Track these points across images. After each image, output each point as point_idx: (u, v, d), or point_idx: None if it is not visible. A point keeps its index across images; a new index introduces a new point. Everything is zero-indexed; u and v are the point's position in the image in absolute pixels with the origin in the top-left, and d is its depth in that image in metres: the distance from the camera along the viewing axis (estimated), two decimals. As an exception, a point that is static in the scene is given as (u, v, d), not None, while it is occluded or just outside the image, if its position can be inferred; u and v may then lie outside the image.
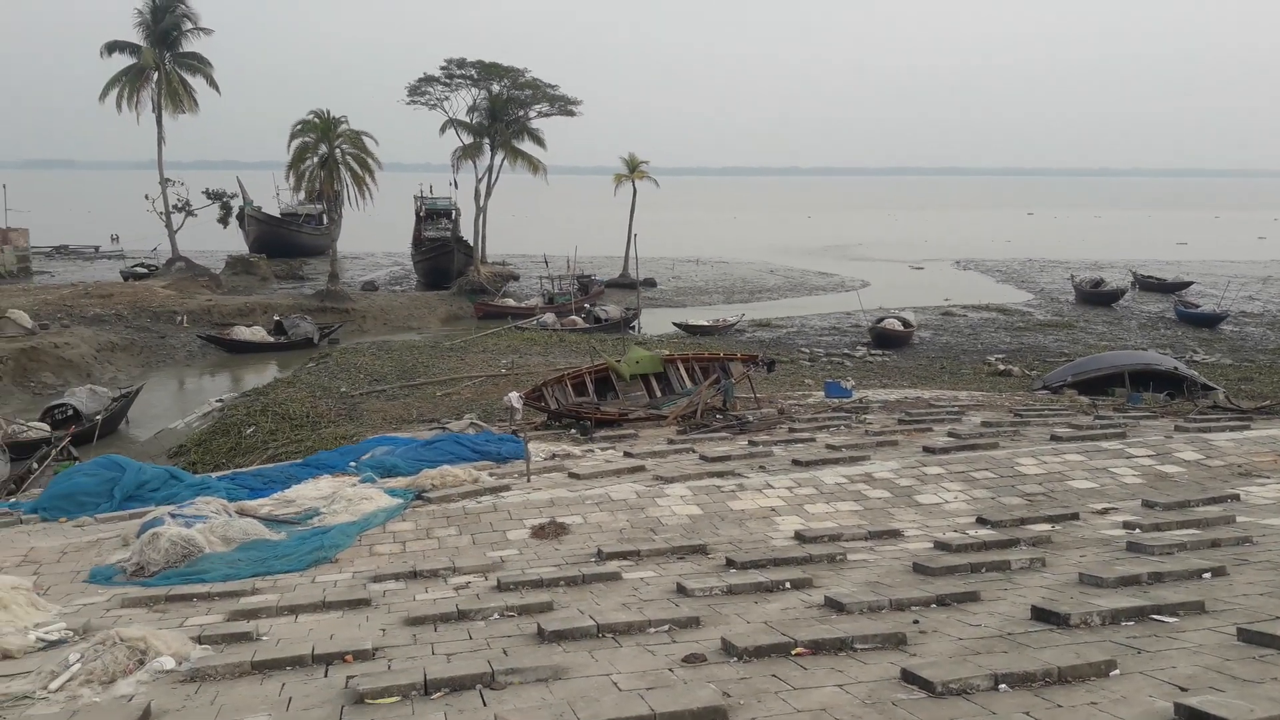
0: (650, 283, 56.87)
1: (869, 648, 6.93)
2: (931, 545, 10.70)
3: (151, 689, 7.03)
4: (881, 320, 39.40)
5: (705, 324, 42.05)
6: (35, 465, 19.42)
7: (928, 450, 15.18)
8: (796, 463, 14.75)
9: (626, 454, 16.23)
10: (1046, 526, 11.42)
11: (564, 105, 57.20)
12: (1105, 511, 12.18)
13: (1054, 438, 15.95)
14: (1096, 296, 51.94)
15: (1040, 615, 7.43)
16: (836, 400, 21.62)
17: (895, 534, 11.54)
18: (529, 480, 14.43)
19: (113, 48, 53.09)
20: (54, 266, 62.56)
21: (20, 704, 7.02)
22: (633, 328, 42.59)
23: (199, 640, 8.02)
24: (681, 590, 9.01)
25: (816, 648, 6.90)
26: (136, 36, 53.29)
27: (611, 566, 10.34)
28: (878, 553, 10.65)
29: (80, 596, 10.28)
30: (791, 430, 17.82)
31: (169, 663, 7.49)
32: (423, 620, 8.44)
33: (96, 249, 73.09)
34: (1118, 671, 6.07)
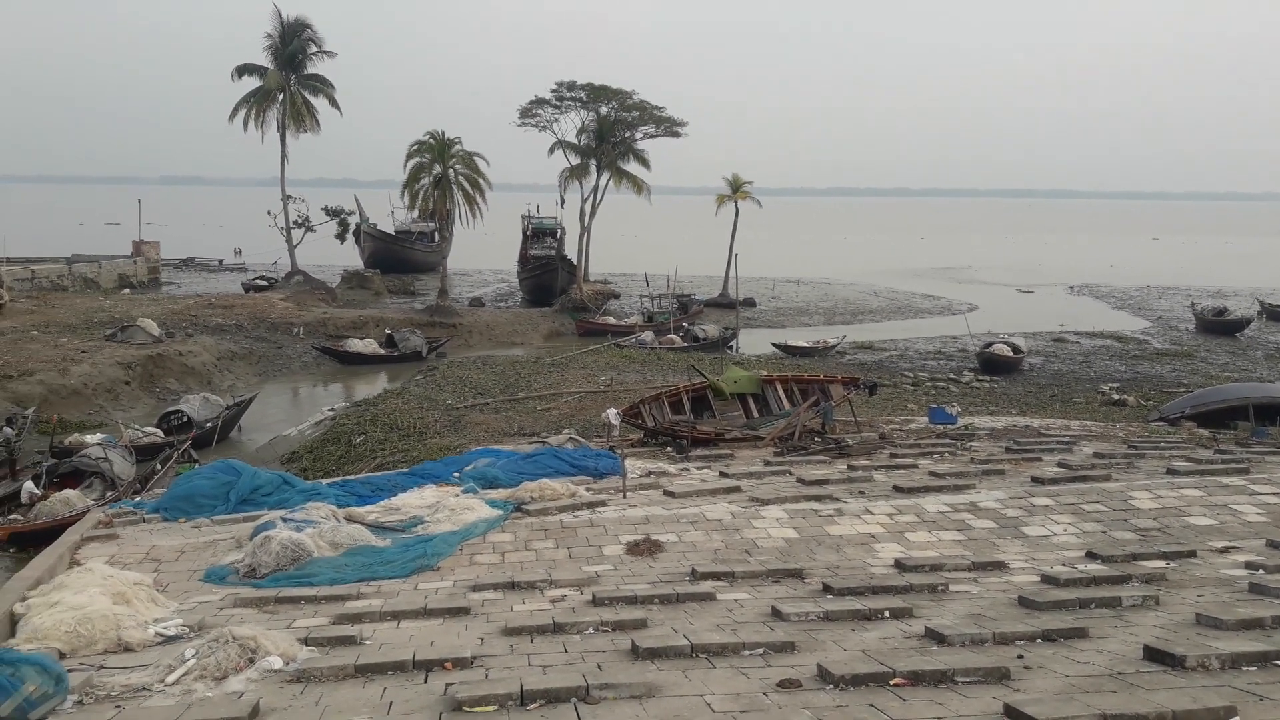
0: (750, 303, 56.55)
1: (971, 681, 6.75)
2: (1038, 579, 10.35)
3: (260, 687, 7.32)
4: (990, 345, 38.33)
5: (805, 345, 41.58)
6: (158, 466, 20.43)
7: (1036, 480, 14.71)
8: (898, 489, 14.47)
9: (722, 474, 16.17)
10: (1161, 563, 10.92)
11: (670, 127, 57.53)
12: (1225, 550, 11.59)
13: (1171, 471, 15.25)
14: (1219, 325, 49.47)
15: (1153, 655, 7.11)
16: (941, 426, 21.11)
17: (1000, 566, 11.20)
18: (625, 497, 14.51)
19: (242, 70, 55.76)
20: (181, 278, 65.82)
21: (139, 695, 7.40)
22: (731, 347, 42.43)
23: (306, 642, 8.31)
24: (776, 614, 8.93)
25: (916, 679, 6.75)
26: (265, 60, 55.91)
27: (705, 586, 10.31)
28: (981, 584, 10.35)
29: (196, 595, 10.76)
30: (893, 456, 17.48)
31: (277, 662, 7.78)
32: (520, 631, 8.57)
33: (220, 262, 76.56)
34: (1238, 719, 5.76)
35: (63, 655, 8.56)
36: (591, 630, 8.59)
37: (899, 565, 11.22)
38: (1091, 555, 11.43)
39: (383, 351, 38.79)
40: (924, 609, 9.09)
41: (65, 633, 8.99)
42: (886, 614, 8.92)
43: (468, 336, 44.28)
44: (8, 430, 22.12)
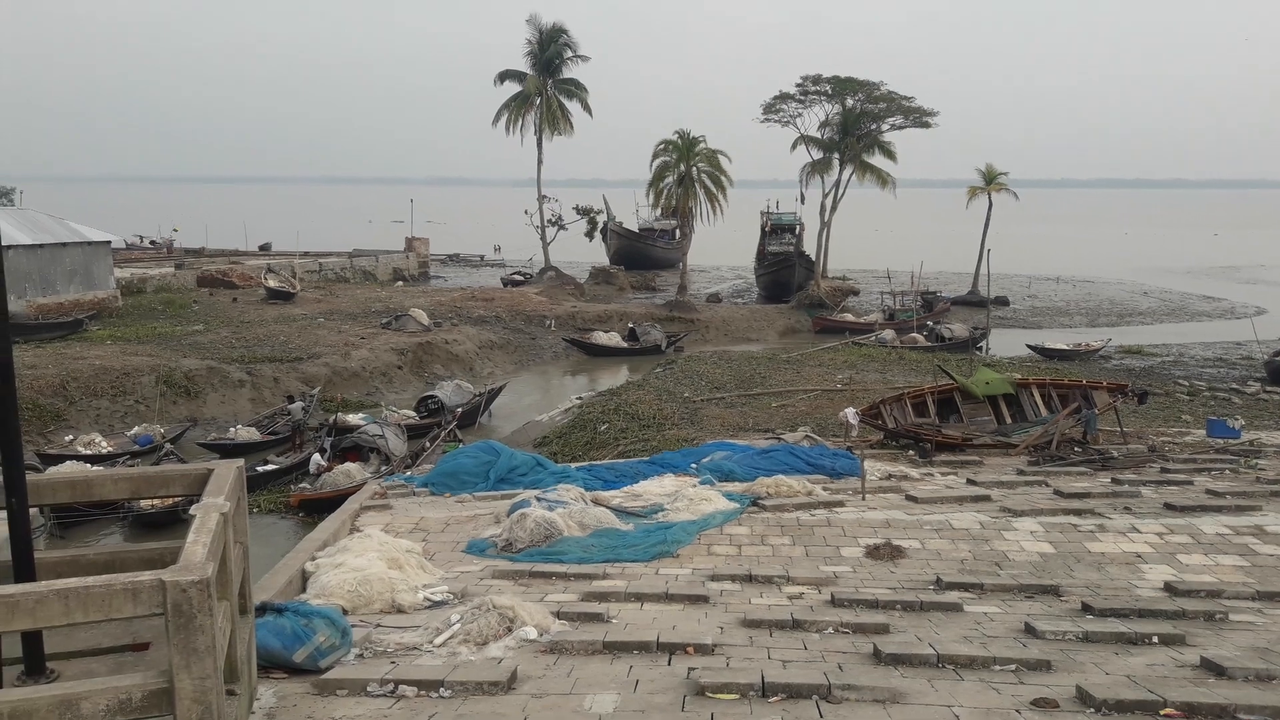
0: (1002, 301, 53.69)
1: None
2: (1340, 616, 9.23)
3: (517, 655, 7.81)
4: (1279, 353, 34.38)
5: (1064, 347, 38.98)
6: (427, 444, 22.18)
7: (1339, 506, 13.09)
8: (1169, 507, 13.34)
9: (970, 481, 15.54)
10: None
11: (919, 117, 55.61)
12: None
13: None
14: None
15: None
16: (1220, 441, 19.18)
17: (1291, 598, 10.07)
18: (864, 498, 14.27)
19: (504, 76, 59.18)
20: (447, 272, 70.75)
21: (410, 654, 8.09)
22: (980, 348, 40.47)
23: (558, 616, 8.78)
24: (1030, 630, 8.49)
25: (1190, 711, 6.23)
26: (525, 65, 59.04)
27: (951, 596, 9.97)
28: (1267, 616, 9.36)
29: (459, 564, 11.60)
30: (1164, 470, 16.12)
31: (532, 633, 8.28)
32: (759, 624, 8.64)
33: (482, 258, 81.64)
34: None
35: (345, 611, 9.48)
36: (831, 630, 8.53)
37: (1169, 589, 10.35)
38: None
39: (625, 344, 40.12)
40: (1199, 638, 8.35)
41: (348, 592, 9.95)
42: (1155, 639, 8.26)
43: (705, 331, 44.90)
44: (297, 405, 24.78)
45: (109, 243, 40.79)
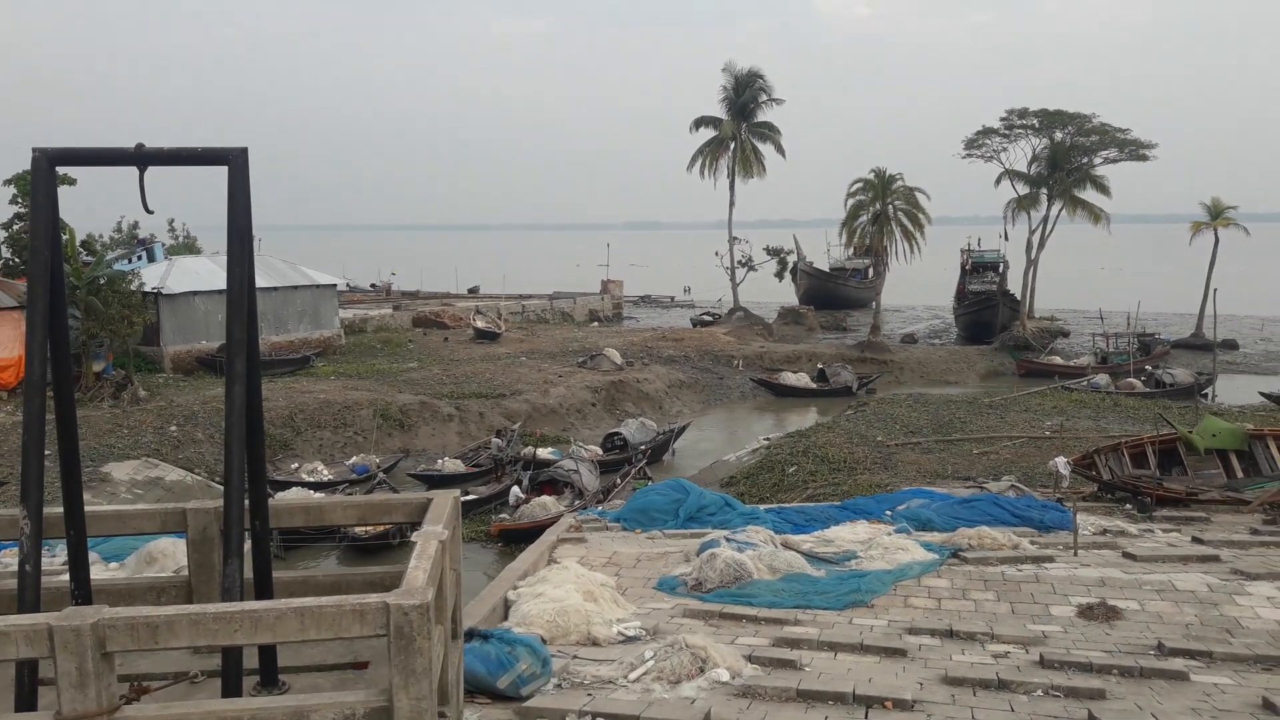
0: (1230, 344, 49.42)
1: None
2: None
3: (710, 696, 7.83)
4: None
5: (1305, 396, 35.35)
6: (618, 481, 22.64)
7: None
8: None
9: (1195, 539, 14.39)
10: None
11: (1135, 150, 52.38)
12: None
13: None
14: None
15: None
16: None
17: None
18: (1076, 554, 13.49)
19: (700, 122, 60.22)
20: (638, 313, 72.26)
21: (606, 687, 8.27)
22: (1205, 395, 37.34)
23: (749, 659, 8.75)
24: (1269, 707, 7.75)
25: None
26: (720, 110, 59.91)
27: (1176, 664, 9.22)
28: None
29: (650, 600, 11.75)
30: None
31: (724, 675, 8.29)
32: (961, 682, 8.30)
33: (672, 299, 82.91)
34: None
35: (544, 640, 9.80)
36: (1040, 692, 8.08)
37: None
38: None
39: (814, 385, 39.57)
40: None
41: (547, 621, 10.28)
42: None
43: (898, 373, 43.68)
44: (498, 440, 25.88)
45: (335, 285, 44.19)
